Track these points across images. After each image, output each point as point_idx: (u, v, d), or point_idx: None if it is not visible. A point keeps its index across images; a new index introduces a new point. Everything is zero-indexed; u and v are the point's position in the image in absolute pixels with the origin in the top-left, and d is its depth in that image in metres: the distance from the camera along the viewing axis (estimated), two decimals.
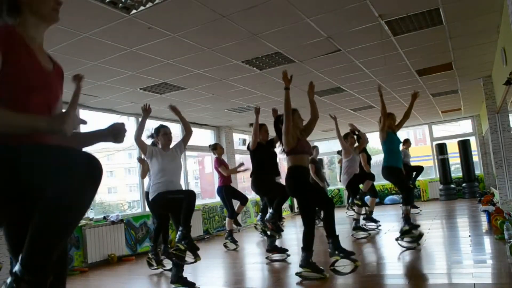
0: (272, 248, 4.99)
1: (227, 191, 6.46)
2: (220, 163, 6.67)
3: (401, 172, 5.00)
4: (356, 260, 3.63)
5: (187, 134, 4.17)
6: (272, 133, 4.98)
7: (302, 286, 3.57)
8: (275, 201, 4.91)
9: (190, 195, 3.85)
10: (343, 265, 3.70)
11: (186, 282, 3.84)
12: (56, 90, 1.44)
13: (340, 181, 6.59)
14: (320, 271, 3.69)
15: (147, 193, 5.13)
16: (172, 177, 3.92)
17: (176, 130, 8.79)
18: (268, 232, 4.79)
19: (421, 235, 4.68)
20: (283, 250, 5.01)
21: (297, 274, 3.77)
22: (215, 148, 6.81)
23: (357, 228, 6.11)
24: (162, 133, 4.02)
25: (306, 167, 4.00)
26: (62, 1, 1.49)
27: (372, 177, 6.62)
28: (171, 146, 4.08)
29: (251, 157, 5.11)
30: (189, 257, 3.88)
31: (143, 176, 5.83)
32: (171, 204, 3.90)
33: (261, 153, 5.02)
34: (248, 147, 5.15)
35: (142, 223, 6.84)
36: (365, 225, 6.64)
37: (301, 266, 3.77)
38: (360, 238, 5.85)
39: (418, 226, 4.81)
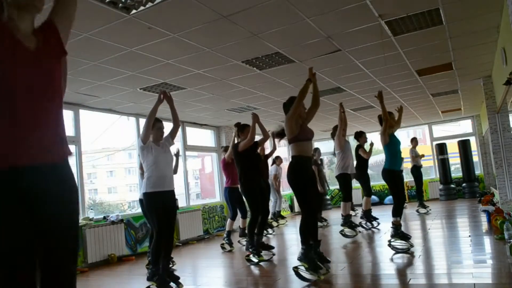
0: (259, 245, 5.09)
1: (231, 193, 6.40)
2: (226, 164, 6.67)
3: (399, 177, 5.00)
4: (320, 274, 3.60)
5: (175, 127, 4.25)
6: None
7: (302, 285, 3.57)
8: (249, 223, 5.05)
9: (171, 233, 4.00)
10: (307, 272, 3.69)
11: (165, 279, 3.85)
12: (45, 67, 1.44)
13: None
14: (318, 268, 3.65)
15: (141, 200, 5.15)
16: (165, 170, 3.99)
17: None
18: (255, 259, 4.79)
19: (410, 246, 4.62)
20: (270, 247, 5.23)
21: (294, 268, 3.76)
22: (226, 150, 6.82)
23: (345, 224, 6.16)
24: (156, 127, 4.04)
25: (309, 156, 3.97)
26: None
27: (368, 193, 6.82)
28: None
29: (238, 160, 5.10)
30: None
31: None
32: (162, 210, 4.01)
33: (249, 156, 5.03)
34: (235, 149, 5.10)
35: (142, 223, 6.83)
36: (361, 223, 6.67)
37: (299, 259, 3.76)
38: (348, 236, 5.88)
39: (409, 237, 4.77)
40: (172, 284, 3.82)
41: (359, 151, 6.82)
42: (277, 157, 8.44)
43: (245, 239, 6.11)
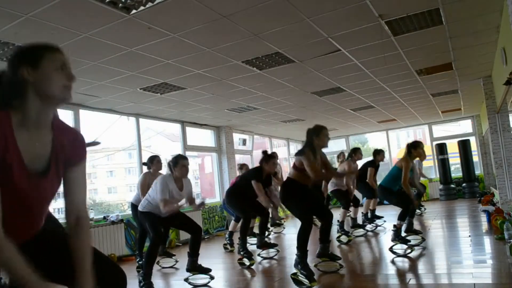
0: (262, 244, 5.23)
1: None
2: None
3: (395, 193, 5.07)
4: (313, 281, 3.57)
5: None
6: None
7: (301, 286, 3.57)
8: (241, 226, 5.13)
9: (198, 231, 4.19)
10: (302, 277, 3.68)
11: (202, 269, 4.16)
12: (44, 191, 1.32)
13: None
14: (312, 275, 3.61)
15: (133, 205, 5.17)
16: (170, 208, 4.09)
17: (176, 130, 8.81)
18: (247, 262, 4.83)
19: (411, 250, 4.63)
20: (273, 245, 5.33)
21: (291, 276, 3.76)
22: (242, 168, 6.96)
23: (354, 226, 6.15)
24: (180, 164, 4.00)
25: (305, 185, 4.00)
26: (75, 76, 1.33)
27: (370, 195, 6.81)
28: (186, 183, 4.15)
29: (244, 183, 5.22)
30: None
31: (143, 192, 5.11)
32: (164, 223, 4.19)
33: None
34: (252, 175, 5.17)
35: None
36: (365, 225, 6.67)
37: (295, 266, 3.79)
38: (358, 235, 5.88)
39: (408, 241, 4.77)
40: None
41: (368, 169, 6.69)
42: (273, 153, 8.40)
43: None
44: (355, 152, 6.57)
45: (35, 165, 1.28)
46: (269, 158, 5.11)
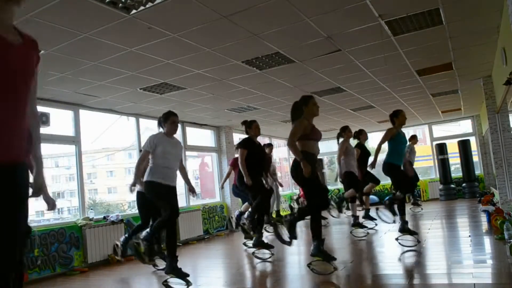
0: (258, 243, 5.08)
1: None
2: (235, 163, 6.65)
3: (400, 171, 5.13)
4: (334, 265, 3.63)
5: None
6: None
7: (303, 286, 3.57)
8: (253, 203, 5.04)
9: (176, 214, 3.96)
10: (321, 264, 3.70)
11: (180, 273, 3.89)
12: (20, 63, 1.44)
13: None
14: (331, 259, 3.69)
15: (139, 194, 5.03)
16: (172, 163, 4.03)
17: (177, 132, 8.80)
18: (250, 232, 4.80)
19: (417, 241, 4.72)
20: (269, 247, 5.11)
21: (308, 265, 3.78)
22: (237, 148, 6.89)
23: (355, 225, 6.12)
24: (171, 121, 4.09)
25: (314, 154, 3.95)
26: None
27: (375, 180, 6.71)
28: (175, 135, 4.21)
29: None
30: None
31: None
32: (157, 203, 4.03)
33: (253, 151, 5.08)
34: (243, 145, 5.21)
35: None
36: (363, 223, 6.63)
37: (312, 255, 3.78)
38: (359, 236, 5.85)
39: (415, 233, 4.86)
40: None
41: (354, 150, 6.70)
42: (269, 144, 8.31)
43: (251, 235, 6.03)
44: (344, 130, 6.37)
45: (10, 36, 1.41)
46: (250, 123, 5.21)
